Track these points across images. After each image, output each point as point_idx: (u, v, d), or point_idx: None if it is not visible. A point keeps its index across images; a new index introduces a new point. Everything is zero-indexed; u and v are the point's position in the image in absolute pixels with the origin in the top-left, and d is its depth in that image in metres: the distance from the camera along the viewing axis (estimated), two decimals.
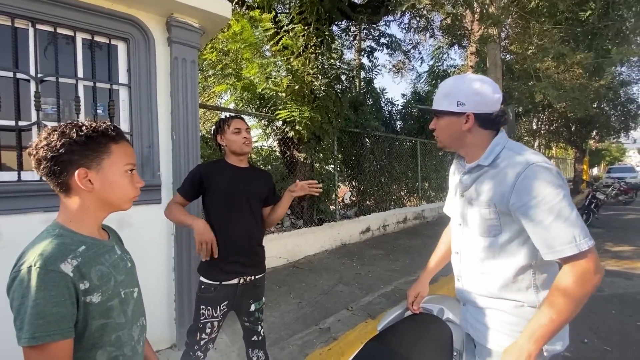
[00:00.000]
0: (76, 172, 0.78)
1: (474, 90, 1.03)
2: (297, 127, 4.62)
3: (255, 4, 4.81)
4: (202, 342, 1.58)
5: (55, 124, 2.08)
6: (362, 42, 8.84)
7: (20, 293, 0.68)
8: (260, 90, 4.67)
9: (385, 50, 7.74)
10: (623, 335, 2.69)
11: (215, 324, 1.59)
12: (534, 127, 17.97)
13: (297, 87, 4.54)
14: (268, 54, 5.03)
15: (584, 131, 14.97)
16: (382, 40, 7.35)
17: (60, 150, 0.77)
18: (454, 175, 1.25)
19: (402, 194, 8.24)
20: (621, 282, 3.93)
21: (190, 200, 1.70)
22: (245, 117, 5.42)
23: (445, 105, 1.07)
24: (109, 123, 0.87)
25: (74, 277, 0.73)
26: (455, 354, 1.17)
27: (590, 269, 0.88)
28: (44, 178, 0.80)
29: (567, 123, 14.71)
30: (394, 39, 7.93)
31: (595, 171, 33.64)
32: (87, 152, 0.80)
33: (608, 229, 7.24)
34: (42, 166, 0.78)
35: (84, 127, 0.81)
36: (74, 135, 0.79)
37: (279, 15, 5.44)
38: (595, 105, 13.27)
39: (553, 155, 25.95)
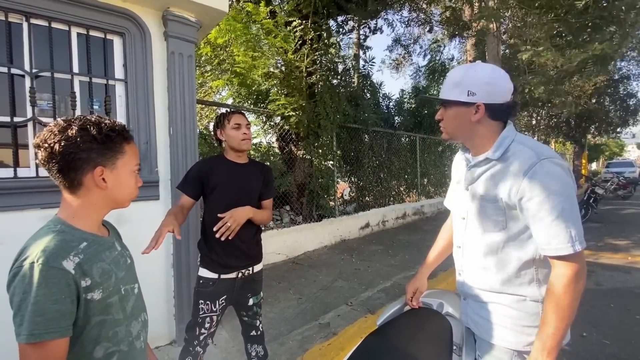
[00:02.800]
0: (94, 170, 0.78)
1: (486, 79, 1.00)
2: (291, 118, 4.59)
3: None
4: (201, 337, 1.58)
5: (50, 119, 2.06)
6: (359, 33, 8.76)
7: (22, 289, 0.67)
8: (251, 77, 4.64)
9: (379, 37, 7.72)
10: (622, 329, 2.70)
11: (214, 318, 1.59)
12: (533, 122, 17.96)
13: (293, 81, 4.52)
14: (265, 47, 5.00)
15: (583, 126, 14.97)
16: (378, 23, 7.28)
17: (80, 146, 0.76)
18: (458, 168, 1.23)
19: (402, 189, 8.23)
20: (620, 276, 3.94)
21: (196, 198, 1.63)
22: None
23: (455, 95, 1.03)
24: (122, 122, 0.88)
25: (75, 275, 0.72)
26: (454, 347, 1.17)
27: (581, 269, 0.93)
28: (51, 173, 0.77)
29: (566, 118, 14.70)
30: (388, 20, 7.84)
31: (594, 166, 33.72)
32: (105, 151, 0.80)
33: (606, 223, 7.26)
34: (54, 161, 0.75)
35: (102, 125, 0.80)
36: (95, 132, 0.78)
37: (274, 6, 5.39)
38: (594, 100, 13.28)
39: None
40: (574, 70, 5.20)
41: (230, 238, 1.48)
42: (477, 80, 1.00)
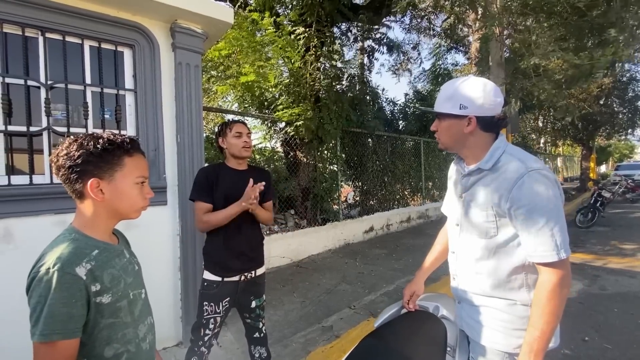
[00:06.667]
0: (89, 182, 0.84)
1: (477, 93, 1.05)
2: (297, 127, 4.67)
3: (258, 7, 4.87)
4: (205, 338, 1.64)
5: (64, 129, 2.15)
6: (363, 42, 8.85)
7: (38, 292, 0.74)
8: (257, 92, 4.73)
9: (385, 53, 7.74)
10: (624, 334, 2.70)
11: (218, 319, 1.66)
12: (540, 124, 17.82)
13: (297, 88, 4.59)
14: (269, 54, 5.09)
15: (590, 128, 14.80)
16: (384, 41, 7.36)
17: (77, 160, 0.83)
18: (454, 176, 1.28)
19: (406, 193, 8.25)
20: (625, 280, 3.92)
21: (212, 204, 1.68)
22: (249, 119, 5.51)
23: (448, 108, 1.09)
24: (127, 136, 0.93)
25: (86, 280, 0.79)
26: (449, 349, 1.21)
27: (565, 276, 0.97)
28: (62, 183, 0.87)
29: (573, 120, 14.55)
30: (394, 41, 7.95)
31: (603, 168, 33.24)
32: (102, 164, 0.86)
33: (614, 227, 7.19)
34: (61, 173, 0.84)
35: (100, 140, 0.86)
36: (91, 147, 0.84)
37: (280, 17, 5.50)
38: (602, 102, 13.13)
39: (560, 153, 25.68)
40: (582, 74, 5.16)
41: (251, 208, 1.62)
42: (468, 94, 1.06)
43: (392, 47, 7.70)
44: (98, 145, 0.85)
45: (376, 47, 7.13)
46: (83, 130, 2.19)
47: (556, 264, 0.95)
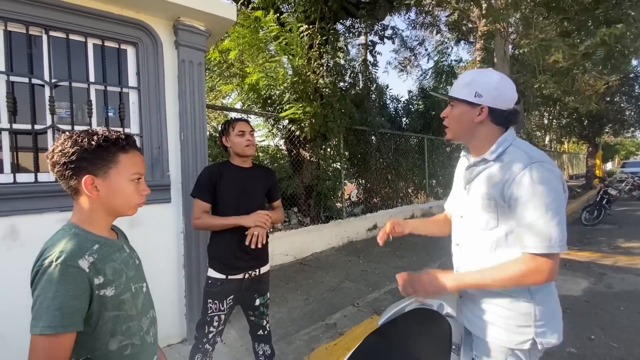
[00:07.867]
0: (83, 178, 0.83)
1: (494, 84, 1.06)
2: (302, 125, 4.66)
3: (260, 5, 4.86)
4: (210, 335, 1.65)
5: (68, 127, 2.16)
6: (366, 38, 8.77)
7: (41, 285, 0.74)
8: (263, 92, 4.73)
9: (387, 42, 7.71)
10: (631, 332, 2.67)
11: (222, 317, 1.66)
12: (545, 121, 17.68)
13: (301, 86, 4.58)
14: (272, 50, 5.07)
15: (596, 125, 14.66)
16: (387, 32, 7.28)
17: (71, 157, 0.82)
18: (460, 170, 1.28)
19: (409, 191, 8.22)
20: (631, 278, 3.88)
21: (212, 203, 1.70)
22: (252, 117, 5.49)
23: (463, 94, 1.10)
24: (122, 132, 0.92)
25: (89, 273, 0.79)
26: (453, 347, 1.20)
27: (545, 270, 0.96)
28: (58, 180, 0.86)
29: (579, 117, 14.42)
30: (397, 30, 7.86)
31: (609, 166, 32.94)
32: (96, 161, 0.85)
33: (620, 224, 7.12)
34: (56, 169, 0.84)
35: (95, 136, 0.85)
36: (85, 143, 0.84)
37: (283, 14, 5.48)
38: (608, 99, 12.99)
39: (565, 150, 25.46)
40: (581, 60, 5.04)
41: (262, 245, 1.62)
42: (485, 84, 1.07)
43: (391, 37, 7.59)
44: (92, 142, 0.84)
45: (377, 40, 7.07)
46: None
47: (543, 256, 0.95)
